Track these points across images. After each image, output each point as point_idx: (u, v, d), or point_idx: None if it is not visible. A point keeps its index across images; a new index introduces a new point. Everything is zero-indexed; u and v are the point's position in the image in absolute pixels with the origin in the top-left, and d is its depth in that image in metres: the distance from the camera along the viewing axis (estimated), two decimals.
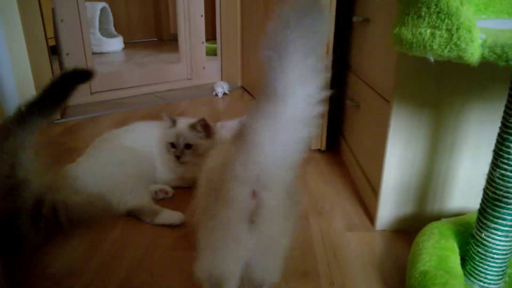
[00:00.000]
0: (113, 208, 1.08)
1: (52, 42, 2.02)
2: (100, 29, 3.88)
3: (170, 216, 1.05)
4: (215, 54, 2.71)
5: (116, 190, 1.10)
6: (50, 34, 1.94)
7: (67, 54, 2.06)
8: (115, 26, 4.18)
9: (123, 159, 1.19)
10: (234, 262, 0.63)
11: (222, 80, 2.70)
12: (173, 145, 1.22)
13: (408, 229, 1.01)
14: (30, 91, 1.78)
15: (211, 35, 2.96)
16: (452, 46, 0.54)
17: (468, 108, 0.92)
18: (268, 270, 0.67)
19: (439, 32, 0.56)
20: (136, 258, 0.92)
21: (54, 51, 2.01)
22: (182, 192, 1.23)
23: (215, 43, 2.70)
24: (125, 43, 4.19)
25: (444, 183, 0.99)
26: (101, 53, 3.80)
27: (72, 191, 1.09)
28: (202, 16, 2.52)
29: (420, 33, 0.58)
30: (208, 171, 0.70)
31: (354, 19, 1.24)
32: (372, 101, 1.11)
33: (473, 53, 0.53)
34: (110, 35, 4.04)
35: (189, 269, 0.88)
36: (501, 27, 0.67)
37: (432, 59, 0.58)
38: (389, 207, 1.02)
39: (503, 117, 0.67)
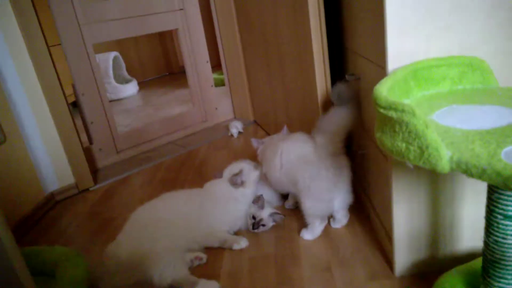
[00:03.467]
0: (156, 283, 1.21)
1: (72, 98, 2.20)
2: (115, 76, 4.10)
3: (207, 286, 1.17)
4: (224, 84, 2.83)
5: (156, 266, 1.22)
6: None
7: (92, 123, 2.23)
8: (127, 70, 4.39)
9: (158, 232, 1.32)
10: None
11: (235, 116, 2.84)
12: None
13: (426, 272, 1.10)
14: (63, 164, 1.95)
15: (217, 62, 3.05)
16: (425, 161, 0.64)
17: None
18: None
19: (412, 148, 0.65)
20: None
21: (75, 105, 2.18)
22: (214, 255, 1.35)
23: (222, 73, 2.83)
24: (139, 83, 4.39)
25: (451, 227, 1.07)
26: (118, 100, 4.01)
27: (117, 272, 1.22)
28: (207, 62, 2.66)
29: (397, 145, 0.68)
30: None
31: (347, 77, 1.33)
32: (375, 153, 1.20)
33: (443, 167, 0.62)
34: (125, 81, 4.25)
35: None
36: (467, 123, 0.70)
37: (411, 166, 0.68)
38: (404, 253, 1.10)
39: (488, 191, 0.76)
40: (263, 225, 1.41)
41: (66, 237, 1.63)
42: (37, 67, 1.80)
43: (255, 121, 2.71)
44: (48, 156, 1.91)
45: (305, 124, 1.72)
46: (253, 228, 1.41)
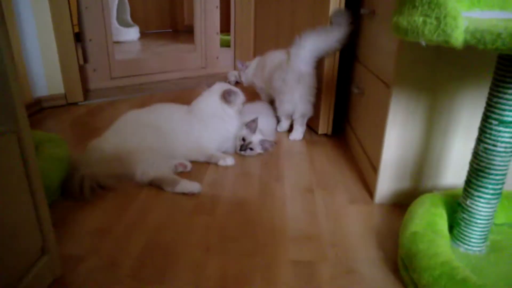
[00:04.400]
0: (137, 179, 1.20)
1: (76, 29, 2.14)
2: (117, 19, 4.00)
3: (189, 185, 1.17)
4: (229, 46, 2.81)
5: (139, 162, 1.21)
6: (75, 21, 2.07)
7: (90, 40, 2.17)
8: (131, 16, 4.29)
9: (146, 134, 1.30)
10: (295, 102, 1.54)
11: (235, 70, 2.81)
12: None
13: (404, 202, 1.11)
14: (57, 75, 1.91)
15: (225, 28, 3.06)
16: (440, 32, 0.64)
17: (462, 93, 1.01)
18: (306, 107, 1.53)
19: (430, 20, 0.65)
20: (160, 221, 1.04)
21: (78, 38, 2.12)
22: (199, 167, 1.34)
23: (229, 35, 2.79)
24: (140, 33, 4.31)
25: (438, 161, 1.08)
26: (118, 42, 3.92)
27: (99, 162, 1.20)
28: (217, 7, 2.62)
29: (414, 21, 0.68)
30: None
31: (362, 11, 1.33)
32: (375, 87, 1.21)
33: (457, 38, 0.62)
34: (127, 25, 4.16)
35: (207, 230, 1.00)
36: (488, 17, 0.76)
37: (424, 43, 0.68)
38: (387, 182, 1.12)
39: (488, 97, 0.77)
40: (251, 149, 1.41)
41: None
42: None
43: None
44: (42, 62, 1.86)
45: None
46: (241, 150, 1.40)
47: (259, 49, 2.49)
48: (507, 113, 0.74)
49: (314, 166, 1.38)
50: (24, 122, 0.69)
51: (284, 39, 1.96)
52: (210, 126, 1.42)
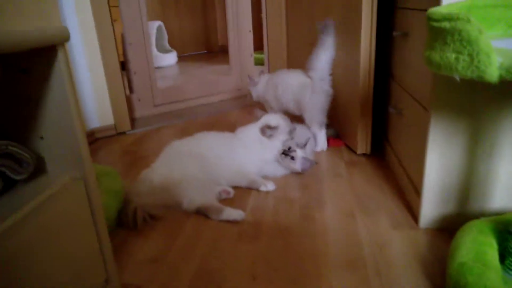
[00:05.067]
0: (184, 207, 1.27)
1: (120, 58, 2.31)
2: (156, 45, 4.22)
3: (233, 213, 1.22)
4: (263, 64, 2.89)
5: (185, 191, 1.29)
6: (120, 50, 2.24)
7: (135, 72, 2.33)
8: (169, 41, 4.51)
9: (190, 163, 1.38)
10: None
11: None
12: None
13: (451, 227, 1.10)
14: (107, 107, 2.06)
15: (258, 46, 3.15)
16: (474, 69, 0.65)
17: (505, 115, 1.00)
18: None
19: (462, 57, 0.67)
20: (207, 249, 1.10)
21: (122, 66, 2.28)
22: (241, 193, 1.40)
23: (263, 53, 2.87)
24: (178, 56, 4.51)
25: (484, 184, 1.06)
26: (158, 68, 4.13)
27: (149, 193, 1.29)
28: (250, 31, 2.71)
29: (447, 57, 0.70)
30: None
31: (394, 33, 1.35)
32: (413, 109, 1.21)
33: (492, 74, 0.64)
34: (165, 51, 4.38)
35: (252, 258, 1.04)
36: None
37: (458, 78, 0.70)
38: (431, 206, 1.11)
39: None
40: (292, 158, 1.45)
41: None
42: (97, 19, 1.92)
43: None
44: (94, 96, 2.02)
45: (342, 97, 1.74)
46: (283, 153, 1.46)
47: (293, 64, 2.54)
48: None
49: (354, 189, 1.39)
50: (89, 167, 0.77)
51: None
52: (251, 152, 1.48)
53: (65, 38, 0.70)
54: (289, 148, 1.46)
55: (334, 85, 1.85)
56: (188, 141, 1.51)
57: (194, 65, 4.23)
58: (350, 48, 1.59)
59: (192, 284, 0.96)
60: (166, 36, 4.42)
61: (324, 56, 1.67)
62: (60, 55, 0.69)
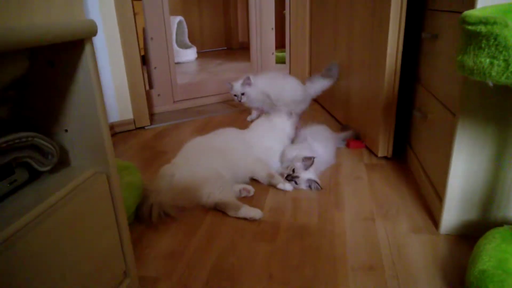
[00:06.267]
0: (203, 201, 1.28)
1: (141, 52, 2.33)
2: (177, 41, 4.25)
3: (250, 211, 1.22)
4: (284, 62, 2.87)
5: (206, 186, 1.29)
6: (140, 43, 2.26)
7: (155, 68, 2.35)
8: (189, 37, 4.54)
9: (210, 159, 1.38)
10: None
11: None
12: None
13: (472, 234, 1.07)
14: (126, 101, 2.09)
15: (280, 44, 3.13)
16: (509, 74, 0.63)
17: None
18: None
19: (497, 62, 0.65)
20: (224, 246, 1.10)
21: (143, 60, 2.30)
22: (260, 192, 1.39)
23: (284, 51, 2.86)
24: (197, 52, 4.53)
25: (509, 192, 1.03)
26: (178, 63, 4.16)
27: (168, 190, 1.29)
28: (272, 29, 2.70)
29: (480, 62, 0.67)
30: None
31: (423, 35, 1.31)
32: (439, 113, 1.18)
33: None
34: (185, 46, 4.40)
35: (269, 257, 1.04)
36: None
37: (491, 84, 0.67)
38: (453, 212, 1.08)
39: None
40: (296, 183, 1.42)
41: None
42: (119, 13, 1.94)
43: None
44: (114, 90, 2.04)
45: (365, 98, 1.72)
46: (286, 178, 1.43)
47: (315, 65, 2.52)
48: None
49: (374, 192, 1.37)
50: (112, 162, 0.78)
51: (341, 53, 1.97)
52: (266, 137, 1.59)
53: (92, 32, 0.70)
54: (293, 171, 1.42)
55: (357, 85, 1.82)
56: (208, 138, 1.52)
57: (214, 62, 4.24)
58: (376, 48, 1.56)
59: (208, 280, 0.96)
60: (186, 32, 4.45)
61: (321, 84, 2.02)
62: (87, 49, 0.70)
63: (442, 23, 1.19)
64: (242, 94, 2.08)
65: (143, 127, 2.17)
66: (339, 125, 2.06)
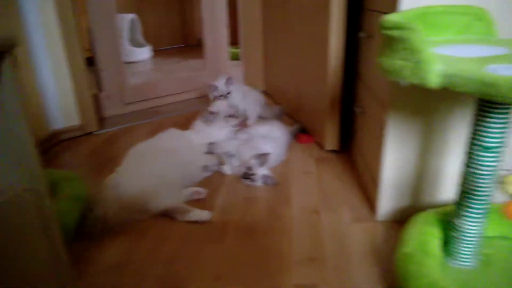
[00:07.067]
0: (151, 210, 1.26)
1: (88, 53, 2.24)
2: (129, 39, 4.14)
3: (199, 214, 1.23)
4: (238, 58, 2.88)
5: (152, 195, 1.27)
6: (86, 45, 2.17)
7: (103, 70, 2.28)
8: (144, 35, 4.42)
9: (156, 165, 1.37)
10: None
11: (245, 85, 2.87)
12: None
13: (405, 219, 1.13)
14: (72, 107, 2.00)
15: (236, 40, 3.11)
16: (417, 75, 0.68)
17: (453, 113, 1.04)
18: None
19: (408, 64, 0.69)
20: (173, 251, 1.10)
21: (90, 62, 2.21)
22: (211, 193, 1.40)
23: (238, 47, 2.87)
24: (154, 50, 4.43)
25: (435, 178, 1.12)
26: (131, 63, 4.05)
27: (114, 199, 1.25)
28: (225, 26, 2.69)
29: (395, 63, 0.72)
30: None
31: (360, 34, 1.36)
32: (374, 107, 1.24)
33: (432, 81, 0.66)
34: (139, 45, 4.29)
35: (217, 258, 1.05)
36: (470, 55, 0.77)
37: (403, 84, 0.72)
38: (388, 200, 1.16)
39: (473, 124, 0.79)
40: (252, 180, 1.44)
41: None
42: (60, 14, 1.85)
43: (264, 91, 2.74)
44: (58, 96, 1.95)
45: (313, 94, 1.76)
46: (243, 177, 1.45)
47: (270, 62, 2.55)
48: (488, 139, 0.77)
49: (321, 185, 1.42)
50: (40, 177, 0.76)
51: (291, 50, 2.01)
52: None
53: (10, 45, 0.68)
54: (249, 169, 1.46)
55: (303, 81, 1.87)
56: (152, 142, 1.51)
57: (170, 60, 4.17)
58: (320, 47, 1.60)
59: None
60: (139, 29, 4.34)
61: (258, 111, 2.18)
62: (4, 65, 0.67)
63: (376, 23, 1.25)
64: (228, 93, 2.06)
65: (91, 133, 2.10)
66: (293, 121, 2.10)
